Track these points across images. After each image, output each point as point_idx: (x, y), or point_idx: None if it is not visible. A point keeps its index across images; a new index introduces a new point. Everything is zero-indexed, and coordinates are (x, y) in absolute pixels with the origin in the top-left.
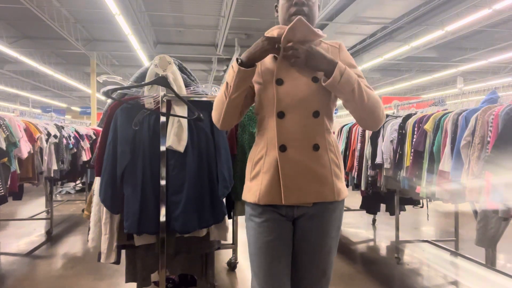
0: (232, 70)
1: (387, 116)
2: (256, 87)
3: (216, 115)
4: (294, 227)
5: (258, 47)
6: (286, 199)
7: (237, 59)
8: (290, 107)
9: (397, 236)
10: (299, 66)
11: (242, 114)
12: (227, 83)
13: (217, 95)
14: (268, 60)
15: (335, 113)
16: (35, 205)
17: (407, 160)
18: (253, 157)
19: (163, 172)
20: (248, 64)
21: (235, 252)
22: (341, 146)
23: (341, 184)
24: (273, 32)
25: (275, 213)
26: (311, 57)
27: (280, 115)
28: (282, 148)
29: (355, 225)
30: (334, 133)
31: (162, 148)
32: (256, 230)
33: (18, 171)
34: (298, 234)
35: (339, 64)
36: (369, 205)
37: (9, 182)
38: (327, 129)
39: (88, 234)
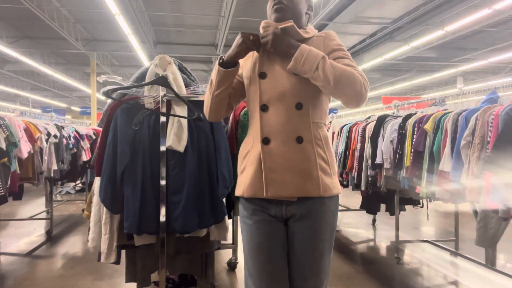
0: (215, 69)
1: (387, 116)
2: (245, 82)
3: (205, 108)
4: (286, 228)
5: (235, 45)
6: (267, 192)
7: (220, 58)
8: (272, 100)
9: (397, 236)
10: (270, 51)
11: (232, 107)
12: (211, 80)
13: (206, 92)
14: (255, 55)
15: (335, 112)
16: (35, 205)
17: (407, 160)
18: (242, 151)
19: (163, 172)
20: (229, 62)
21: (235, 252)
22: (341, 146)
23: (329, 180)
24: (260, 27)
25: (265, 214)
26: (277, 41)
27: (263, 108)
28: (265, 141)
29: (355, 225)
30: (334, 133)
31: (162, 148)
32: (248, 231)
33: (18, 171)
34: (289, 236)
35: (301, 47)
36: (369, 205)
37: (9, 182)
38: (314, 122)
39: (88, 234)
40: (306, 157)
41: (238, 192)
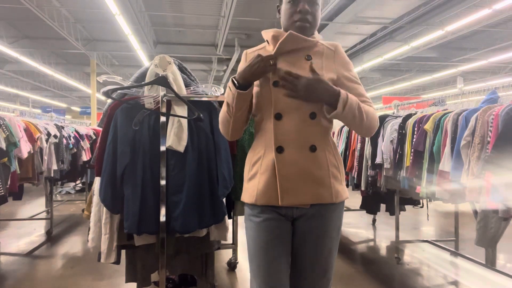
0: (230, 92)
1: (387, 116)
2: (254, 89)
3: (224, 131)
4: (293, 228)
5: (255, 68)
6: (282, 200)
7: (232, 80)
8: (287, 109)
9: (397, 236)
10: (297, 98)
11: (248, 119)
12: (228, 104)
13: (221, 113)
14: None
15: None
16: (35, 205)
17: (407, 160)
18: (251, 158)
19: (163, 172)
20: (245, 84)
21: (235, 252)
22: (341, 146)
23: (340, 186)
24: (268, 35)
25: (274, 213)
26: (311, 91)
27: (278, 116)
28: (279, 150)
29: (355, 225)
30: (334, 133)
31: (162, 148)
32: (256, 229)
33: (18, 171)
34: (297, 235)
35: (341, 96)
36: (369, 205)
37: (9, 182)
38: (325, 130)
39: (88, 234)
40: (319, 165)
41: (248, 199)
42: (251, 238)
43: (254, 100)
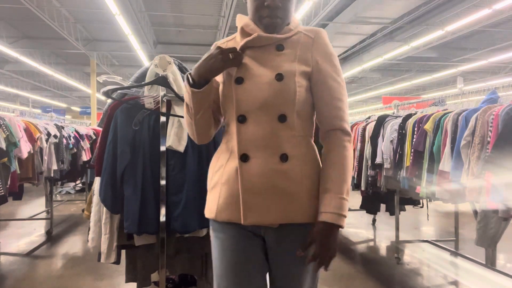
0: (186, 91)
1: (387, 116)
2: (220, 86)
3: (190, 133)
4: (265, 244)
5: (211, 62)
6: (245, 219)
7: (187, 77)
8: (252, 110)
9: (397, 236)
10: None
11: (220, 121)
12: (187, 104)
13: (184, 115)
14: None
15: None
16: (35, 205)
17: (407, 160)
18: (213, 165)
19: (163, 172)
20: (202, 81)
21: None
22: None
23: (318, 202)
24: (239, 23)
25: (239, 229)
26: (334, 245)
27: (241, 119)
28: (244, 158)
29: (355, 225)
30: None
31: (162, 148)
32: (221, 249)
33: (18, 171)
34: (270, 255)
35: (342, 219)
36: (369, 205)
37: (9, 182)
38: (301, 135)
39: (88, 234)
40: (291, 178)
41: (208, 213)
42: (217, 258)
43: (220, 99)
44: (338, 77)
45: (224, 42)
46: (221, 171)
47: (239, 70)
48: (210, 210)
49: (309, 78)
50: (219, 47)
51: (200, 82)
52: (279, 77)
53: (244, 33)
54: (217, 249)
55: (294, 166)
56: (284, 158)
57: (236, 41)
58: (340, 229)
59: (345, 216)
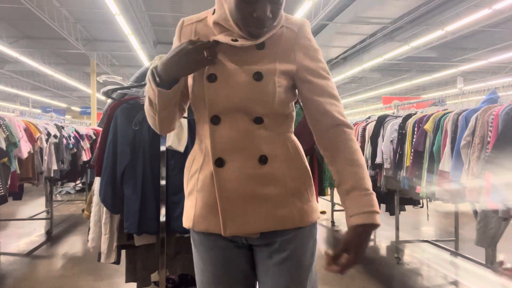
0: (150, 88)
1: (387, 116)
2: (189, 81)
3: (151, 124)
4: (251, 253)
5: (183, 61)
6: (225, 230)
7: (152, 72)
8: (226, 111)
9: (397, 236)
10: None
11: (184, 109)
12: (150, 99)
13: (145, 104)
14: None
15: None
16: (35, 205)
17: (407, 160)
18: (188, 168)
19: (163, 172)
20: (170, 80)
21: None
22: None
23: (306, 204)
24: (216, 12)
25: (220, 240)
26: (363, 253)
27: (214, 120)
28: (219, 163)
29: None
30: None
31: (162, 148)
32: (201, 260)
33: (18, 171)
34: (256, 265)
35: (376, 217)
36: None
37: (9, 182)
38: (280, 133)
39: (88, 234)
40: (273, 180)
41: (185, 222)
42: (199, 269)
43: (190, 95)
44: (325, 73)
45: (194, 22)
46: (196, 177)
47: (211, 66)
48: (188, 218)
49: (293, 76)
50: (192, 42)
51: (167, 80)
52: (258, 76)
53: (221, 27)
54: (197, 260)
55: (275, 168)
56: (263, 160)
57: (207, 24)
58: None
59: (378, 213)
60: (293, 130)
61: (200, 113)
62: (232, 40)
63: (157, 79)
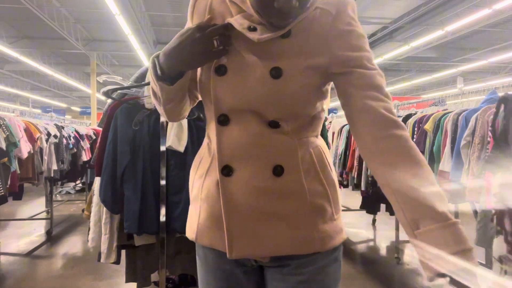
0: (152, 81)
1: None
2: (198, 70)
3: (159, 111)
4: (263, 274)
5: (188, 52)
6: (231, 252)
7: (154, 64)
8: (236, 110)
9: (397, 236)
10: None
11: (197, 97)
12: (154, 91)
13: (150, 91)
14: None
15: (335, 112)
16: (35, 205)
17: None
18: (194, 169)
19: (163, 172)
20: (174, 74)
21: None
22: (341, 146)
23: (330, 224)
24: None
25: (226, 259)
26: None
27: (222, 120)
28: (226, 171)
29: (355, 225)
30: (334, 133)
31: (162, 148)
32: (206, 274)
33: (18, 171)
34: (268, 285)
35: (472, 255)
36: (369, 205)
37: (9, 182)
38: (302, 138)
39: (88, 234)
40: (290, 195)
41: (188, 232)
42: (202, 282)
43: (198, 88)
44: (369, 63)
45: None
46: (200, 182)
47: (227, 57)
48: (191, 228)
49: (325, 71)
50: (200, 27)
51: (170, 74)
52: (276, 72)
53: (238, 7)
54: (201, 272)
55: (292, 181)
56: (278, 171)
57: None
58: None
59: (473, 248)
60: (319, 132)
61: (207, 108)
62: (249, 29)
63: (159, 72)
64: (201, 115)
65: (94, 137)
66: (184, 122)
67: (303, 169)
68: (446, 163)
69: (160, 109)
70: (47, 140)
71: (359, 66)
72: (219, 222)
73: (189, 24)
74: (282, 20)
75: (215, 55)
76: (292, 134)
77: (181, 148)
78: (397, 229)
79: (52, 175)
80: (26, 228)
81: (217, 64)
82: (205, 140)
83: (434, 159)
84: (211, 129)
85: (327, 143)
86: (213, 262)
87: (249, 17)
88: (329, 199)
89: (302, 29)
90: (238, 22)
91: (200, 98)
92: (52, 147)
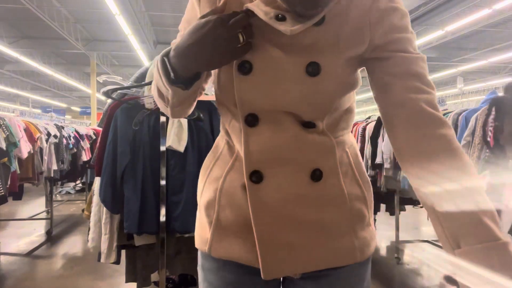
0: (160, 81)
1: None
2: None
3: (163, 110)
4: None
5: (206, 49)
6: (266, 272)
7: (164, 64)
8: (265, 110)
9: (397, 236)
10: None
11: (204, 89)
12: (161, 93)
13: (153, 92)
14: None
15: None
16: (35, 205)
17: None
18: (206, 171)
19: (163, 172)
20: (188, 76)
21: None
22: None
23: (367, 230)
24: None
25: (242, 273)
26: None
27: (250, 121)
28: (256, 177)
29: None
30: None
31: (162, 148)
32: None
33: (18, 171)
34: None
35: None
36: None
37: (9, 182)
38: (338, 136)
39: (88, 234)
40: (330, 201)
41: (198, 242)
42: None
43: (214, 86)
44: (411, 47)
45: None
46: (217, 186)
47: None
48: (201, 239)
49: (362, 58)
50: (221, 19)
51: (186, 77)
52: (313, 69)
53: None
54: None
55: (333, 185)
56: (317, 175)
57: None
58: None
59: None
60: (351, 127)
61: (225, 107)
62: (277, 18)
63: (172, 74)
64: (201, 115)
65: (94, 137)
66: (184, 122)
67: (342, 170)
68: None
69: (166, 110)
70: (47, 140)
71: (401, 50)
72: (243, 231)
73: (194, 11)
74: (309, 9)
75: (241, 52)
76: (328, 132)
77: (181, 148)
78: (397, 229)
79: (52, 175)
80: (26, 228)
81: (240, 60)
82: (222, 138)
83: None
84: (232, 128)
85: None
86: (226, 276)
87: (272, 1)
88: (366, 203)
89: (337, 13)
90: (262, 10)
91: (205, 89)
92: (52, 147)
